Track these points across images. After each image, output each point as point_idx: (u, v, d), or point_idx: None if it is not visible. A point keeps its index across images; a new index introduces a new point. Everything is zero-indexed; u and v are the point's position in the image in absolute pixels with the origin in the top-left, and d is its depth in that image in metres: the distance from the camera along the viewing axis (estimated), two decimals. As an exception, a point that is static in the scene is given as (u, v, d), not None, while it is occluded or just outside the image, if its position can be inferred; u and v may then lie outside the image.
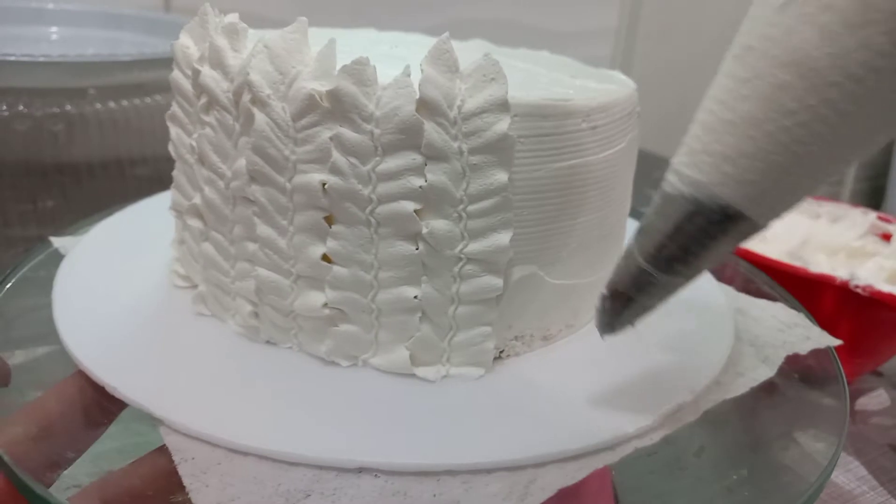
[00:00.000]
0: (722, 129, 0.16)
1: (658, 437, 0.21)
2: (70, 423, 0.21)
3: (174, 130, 0.25)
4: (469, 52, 0.22)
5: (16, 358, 0.25)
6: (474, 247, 0.21)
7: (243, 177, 0.22)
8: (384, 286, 0.21)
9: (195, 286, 0.25)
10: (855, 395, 0.41)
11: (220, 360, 0.23)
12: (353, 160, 0.20)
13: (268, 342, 0.24)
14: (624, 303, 0.19)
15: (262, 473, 0.18)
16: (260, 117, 0.21)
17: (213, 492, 0.17)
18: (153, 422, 0.20)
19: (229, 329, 0.24)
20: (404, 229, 0.21)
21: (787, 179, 0.16)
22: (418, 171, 0.20)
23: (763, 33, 0.15)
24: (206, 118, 0.23)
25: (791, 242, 0.43)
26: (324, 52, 0.20)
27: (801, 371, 0.26)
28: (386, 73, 0.20)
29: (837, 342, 0.27)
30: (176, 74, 0.24)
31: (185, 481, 0.18)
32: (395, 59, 0.23)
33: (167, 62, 0.25)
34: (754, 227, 0.17)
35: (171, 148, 0.26)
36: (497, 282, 0.22)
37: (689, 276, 0.18)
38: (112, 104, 0.38)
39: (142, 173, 0.41)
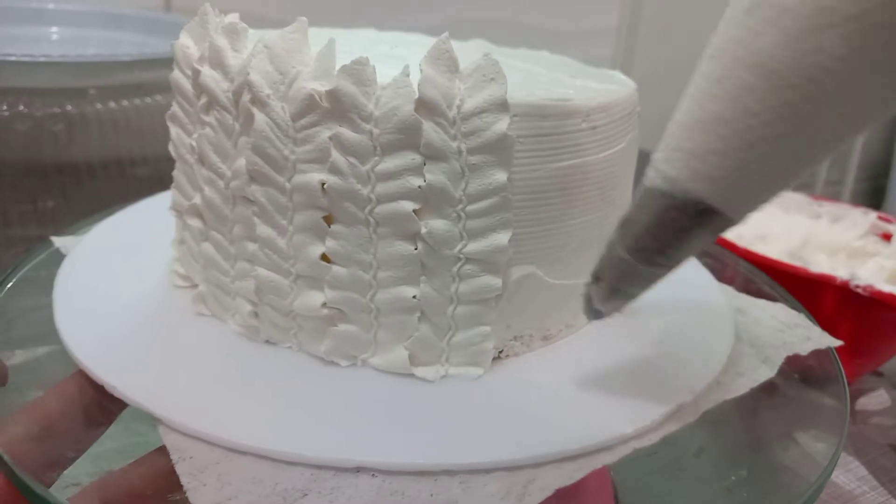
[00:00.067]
0: (694, 126, 0.17)
1: (657, 438, 0.21)
2: (71, 423, 0.21)
3: (174, 130, 0.25)
4: (469, 52, 0.22)
5: (16, 358, 0.25)
6: (473, 247, 0.21)
7: (243, 176, 0.22)
8: (383, 286, 0.21)
9: (195, 286, 0.25)
10: (855, 395, 0.41)
11: (219, 359, 0.23)
12: (352, 160, 0.20)
13: (267, 342, 0.24)
14: (608, 291, 0.20)
15: (260, 473, 0.18)
16: (260, 117, 0.21)
17: (211, 491, 0.17)
18: (153, 421, 0.20)
19: (229, 329, 0.24)
20: (403, 229, 0.21)
21: (755, 177, 0.16)
22: (417, 170, 0.20)
23: (732, 35, 0.16)
24: (206, 118, 0.23)
25: (791, 242, 0.43)
26: (323, 52, 0.20)
27: (801, 371, 0.26)
28: (386, 74, 0.20)
29: (838, 343, 0.27)
30: (176, 74, 0.24)
31: (183, 480, 0.18)
32: (396, 60, 0.23)
33: (167, 62, 0.25)
34: (728, 221, 0.17)
35: (171, 148, 0.26)
36: (496, 282, 0.22)
37: (669, 266, 0.19)
38: (112, 104, 0.38)
39: (142, 173, 0.41)
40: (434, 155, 0.20)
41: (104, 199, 0.38)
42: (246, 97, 0.21)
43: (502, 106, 0.20)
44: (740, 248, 0.39)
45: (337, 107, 0.20)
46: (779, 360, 0.25)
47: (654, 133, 0.21)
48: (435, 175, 0.20)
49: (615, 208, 0.25)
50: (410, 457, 0.19)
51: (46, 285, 0.26)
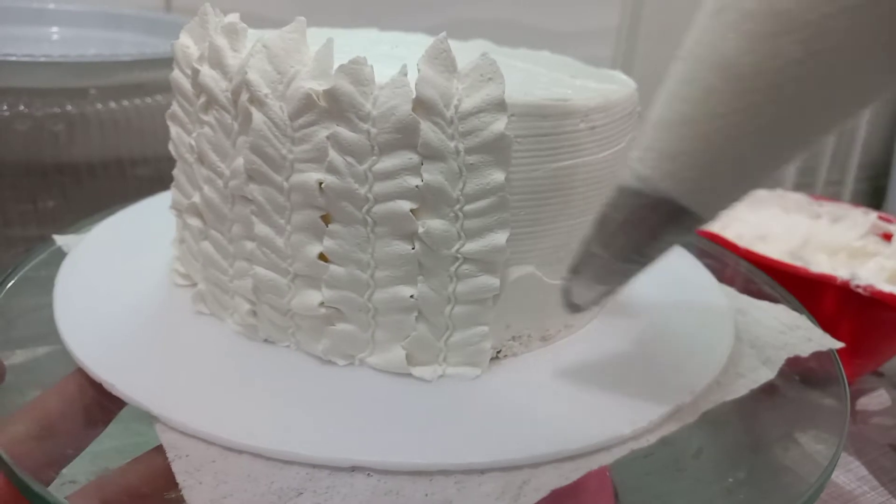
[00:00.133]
0: (664, 127, 0.17)
1: (655, 439, 0.21)
2: (71, 423, 0.21)
3: (174, 129, 0.25)
4: (469, 52, 0.22)
5: (16, 358, 0.25)
6: (471, 246, 0.21)
7: (241, 176, 0.22)
8: (381, 285, 0.21)
9: (195, 285, 0.25)
10: (856, 396, 0.41)
11: (218, 358, 0.23)
12: (349, 159, 0.20)
13: (266, 341, 0.24)
14: (585, 285, 0.20)
15: (255, 471, 0.18)
16: (258, 116, 0.21)
17: (207, 489, 0.17)
18: (151, 420, 0.20)
19: (228, 328, 0.24)
20: (401, 229, 0.21)
21: (724, 177, 0.17)
22: (415, 170, 0.20)
23: (700, 38, 0.16)
24: (205, 117, 0.23)
25: (792, 242, 0.43)
26: (321, 52, 0.20)
27: (801, 372, 0.26)
28: (385, 74, 0.20)
29: (839, 345, 0.26)
30: (176, 74, 0.24)
31: (179, 478, 0.18)
32: (395, 60, 0.23)
33: (167, 62, 0.25)
34: (699, 219, 0.17)
35: (171, 147, 0.26)
36: (494, 282, 0.22)
37: (643, 263, 0.19)
38: (113, 104, 0.38)
39: (142, 173, 0.41)
40: (432, 154, 0.20)
41: (104, 199, 0.38)
42: (244, 96, 0.21)
43: (500, 106, 0.20)
44: (741, 248, 0.39)
45: (335, 106, 0.20)
46: (779, 362, 0.25)
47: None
48: (432, 175, 0.20)
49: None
50: (406, 456, 0.19)
51: (47, 285, 0.26)
